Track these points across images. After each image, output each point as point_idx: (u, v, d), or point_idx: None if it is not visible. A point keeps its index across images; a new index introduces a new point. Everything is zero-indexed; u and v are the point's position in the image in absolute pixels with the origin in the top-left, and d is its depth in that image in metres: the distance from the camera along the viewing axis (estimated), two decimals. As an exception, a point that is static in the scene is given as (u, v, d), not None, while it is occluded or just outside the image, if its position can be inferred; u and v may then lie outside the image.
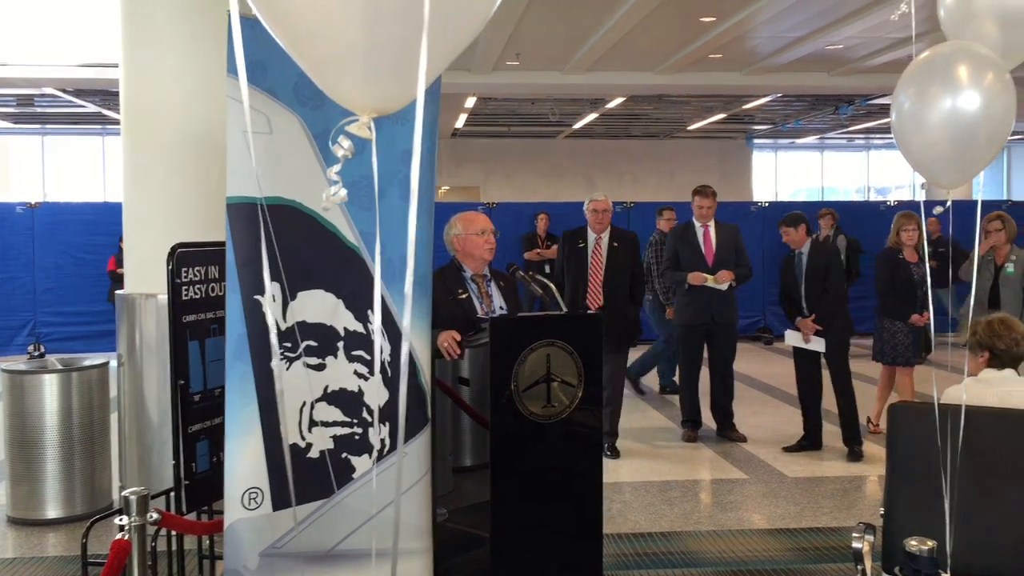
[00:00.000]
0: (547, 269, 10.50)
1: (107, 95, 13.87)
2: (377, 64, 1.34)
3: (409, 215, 1.27)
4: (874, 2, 9.34)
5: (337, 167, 1.44)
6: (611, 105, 15.95)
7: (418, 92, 1.21)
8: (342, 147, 1.40)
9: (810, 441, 6.77)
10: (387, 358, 3.32)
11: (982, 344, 3.34)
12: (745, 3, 9.54)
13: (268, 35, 1.50)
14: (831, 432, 6.91)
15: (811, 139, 22.50)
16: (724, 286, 6.80)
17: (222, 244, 3.19)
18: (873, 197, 22.59)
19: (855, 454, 6.54)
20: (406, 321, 1.33)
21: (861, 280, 11.14)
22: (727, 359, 7.04)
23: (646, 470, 6.32)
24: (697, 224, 7.00)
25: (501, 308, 4.32)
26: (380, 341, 3.22)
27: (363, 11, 1.27)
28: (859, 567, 3.00)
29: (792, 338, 6.75)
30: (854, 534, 3.05)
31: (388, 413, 3.32)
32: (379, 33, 1.29)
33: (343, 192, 1.43)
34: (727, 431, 7.10)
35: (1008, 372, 3.34)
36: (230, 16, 2.87)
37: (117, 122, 5.19)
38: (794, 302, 6.72)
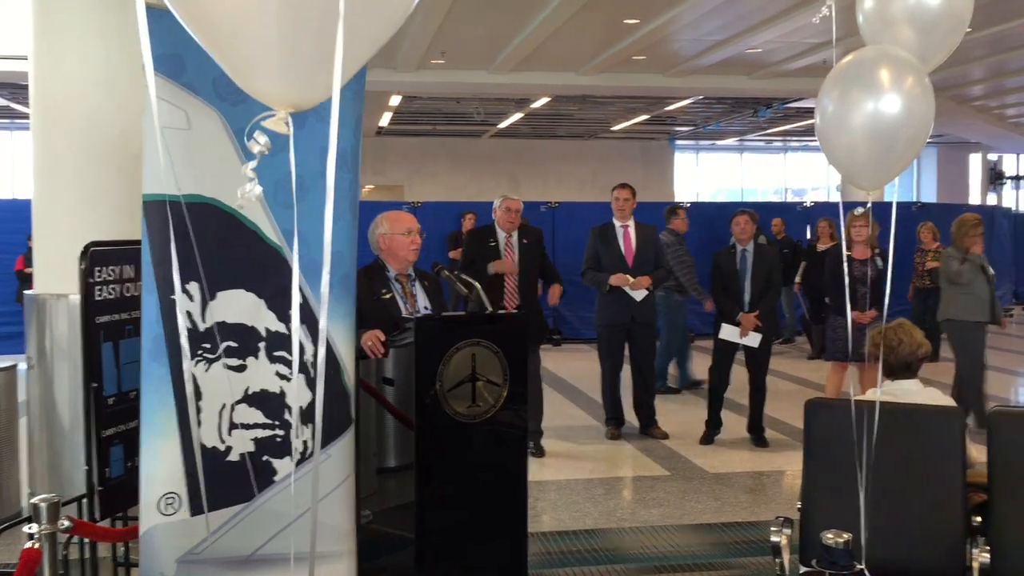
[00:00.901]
0: None
1: (16, 88, 13.38)
2: (293, 57, 1.32)
3: (325, 213, 1.24)
4: (792, 7, 9.58)
5: (253, 163, 1.40)
6: (536, 105, 16.03)
7: (334, 87, 1.19)
8: (258, 143, 1.37)
9: (715, 427, 7.08)
10: (309, 359, 3.27)
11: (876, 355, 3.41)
12: (667, 6, 9.69)
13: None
14: (734, 420, 7.22)
15: (731, 141, 22.97)
16: (640, 295, 6.85)
17: (138, 243, 3.10)
18: (790, 198, 23.16)
19: (761, 441, 6.92)
20: (322, 322, 1.31)
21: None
22: (648, 358, 7.14)
23: (570, 468, 6.36)
24: (617, 224, 7.04)
25: (426, 308, 4.30)
26: (299, 340, 3.17)
27: (278, 3, 1.24)
28: (777, 560, 3.07)
29: (728, 332, 6.86)
30: (772, 528, 3.12)
31: (310, 414, 3.27)
32: (295, 26, 1.26)
33: (258, 189, 1.39)
34: (649, 428, 7.19)
35: (911, 383, 3.43)
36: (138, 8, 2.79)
37: (26, 116, 5.00)
38: (735, 297, 6.86)
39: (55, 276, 4.67)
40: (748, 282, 6.86)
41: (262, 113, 1.43)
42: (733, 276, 6.90)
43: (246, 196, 1.37)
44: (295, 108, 1.39)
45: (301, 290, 3.23)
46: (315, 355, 3.23)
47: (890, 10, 2.77)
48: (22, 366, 5.05)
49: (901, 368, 3.44)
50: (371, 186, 20.81)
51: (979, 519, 3.11)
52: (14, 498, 5.23)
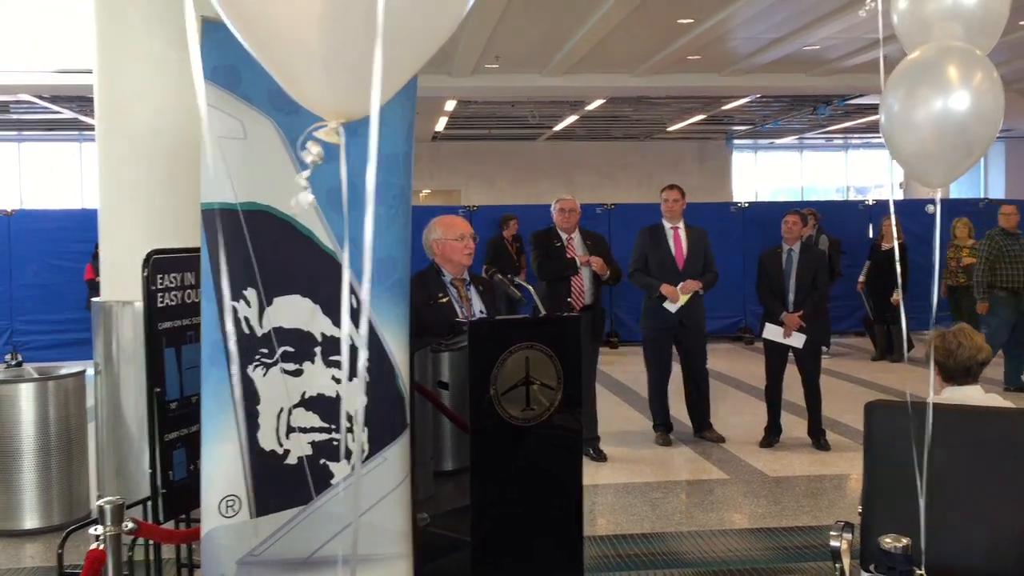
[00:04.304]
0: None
1: (83, 101, 13.77)
2: (339, 68, 1.34)
3: (365, 220, 1.26)
4: (849, 3, 9.41)
5: (307, 173, 1.43)
6: (591, 107, 15.99)
7: (372, 100, 1.20)
8: (311, 153, 1.40)
9: (775, 431, 6.98)
10: (362, 363, 3.30)
11: (936, 360, 3.28)
12: (722, 5, 9.59)
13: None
14: (794, 423, 7.08)
15: (790, 139, 22.63)
16: (675, 307, 6.74)
17: (198, 250, 3.17)
18: (852, 196, 22.74)
19: (822, 444, 6.81)
20: (363, 327, 1.32)
21: (841, 279, 11.22)
22: (699, 361, 7.05)
23: (627, 472, 6.33)
24: (667, 225, 6.97)
25: (481, 312, 4.31)
26: (348, 345, 3.21)
27: (323, 15, 1.26)
28: (837, 565, 3.02)
29: (771, 332, 6.79)
30: (832, 532, 3.06)
31: (367, 418, 3.31)
32: (340, 37, 1.28)
33: (310, 197, 1.42)
34: (704, 431, 7.12)
35: (971, 389, 3.31)
36: (202, 20, 2.85)
37: (93, 128, 5.14)
38: (780, 297, 6.79)
39: (120, 283, 4.80)
40: (793, 282, 6.77)
41: (314, 123, 1.45)
42: (778, 276, 6.82)
43: (299, 204, 1.40)
44: (346, 118, 1.41)
45: (355, 295, 3.27)
46: (369, 359, 3.27)
47: (926, 10, 2.71)
48: (90, 371, 5.19)
49: (960, 373, 3.31)
50: (427, 191, 20.96)
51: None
52: (83, 501, 5.38)
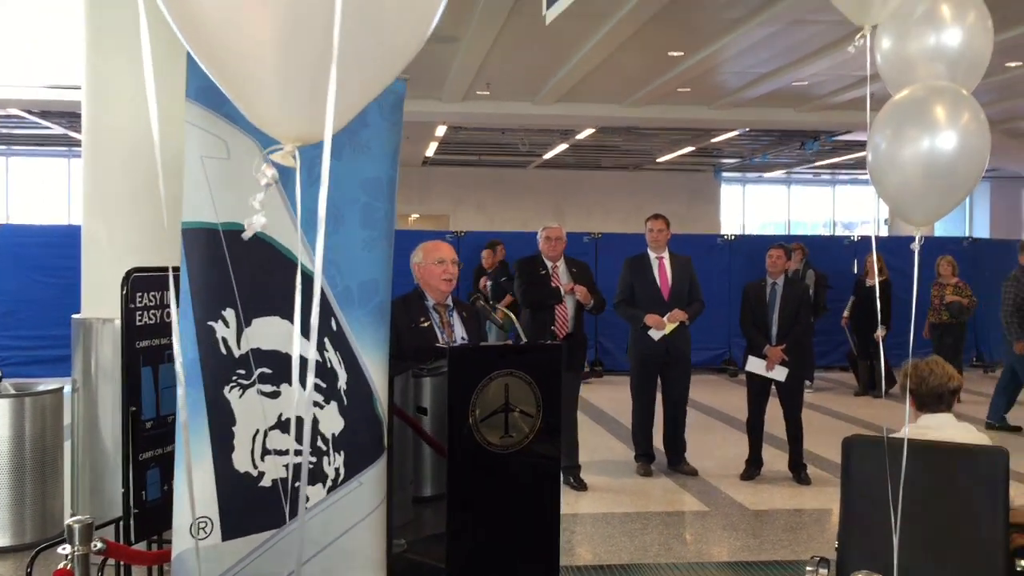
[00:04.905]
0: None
1: (73, 117, 13.75)
2: (295, 93, 1.34)
3: (316, 243, 1.26)
4: (838, 40, 9.51)
5: (260, 195, 1.43)
6: (581, 136, 16.07)
7: (326, 125, 1.20)
8: (265, 176, 1.40)
9: (756, 464, 6.98)
10: (343, 386, 3.29)
11: (910, 388, 3.41)
12: (712, 39, 9.68)
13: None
14: (776, 456, 7.10)
15: (778, 173, 22.78)
16: (658, 334, 6.75)
17: (177, 269, 3.16)
18: (839, 231, 22.86)
19: (803, 478, 6.79)
20: (311, 353, 1.32)
21: (827, 314, 11.26)
22: (681, 392, 7.03)
23: (607, 501, 6.30)
24: (652, 255, 6.99)
25: (463, 338, 4.30)
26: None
27: (278, 40, 1.27)
28: (813, 601, 3.00)
29: (754, 365, 6.81)
30: (808, 568, 3.04)
31: (343, 441, 3.29)
32: (295, 62, 1.29)
33: (263, 220, 1.42)
34: (678, 465, 7.09)
35: (944, 417, 3.37)
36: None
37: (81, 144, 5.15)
38: (763, 330, 6.80)
39: (101, 301, 4.77)
40: (776, 315, 6.80)
41: (270, 147, 1.46)
42: (762, 309, 6.85)
43: (252, 226, 1.40)
44: (301, 142, 1.41)
45: (335, 317, 3.26)
46: (347, 382, 3.25)
47: (907, 51, 2.75)
48: (68, 388, 5.14)
49: (932, 400, 3.39)
50: (416, 215, 20.97)
51: (1023, 563, 3.02)
52: (58, 519, 5.31)
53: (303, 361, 1.76)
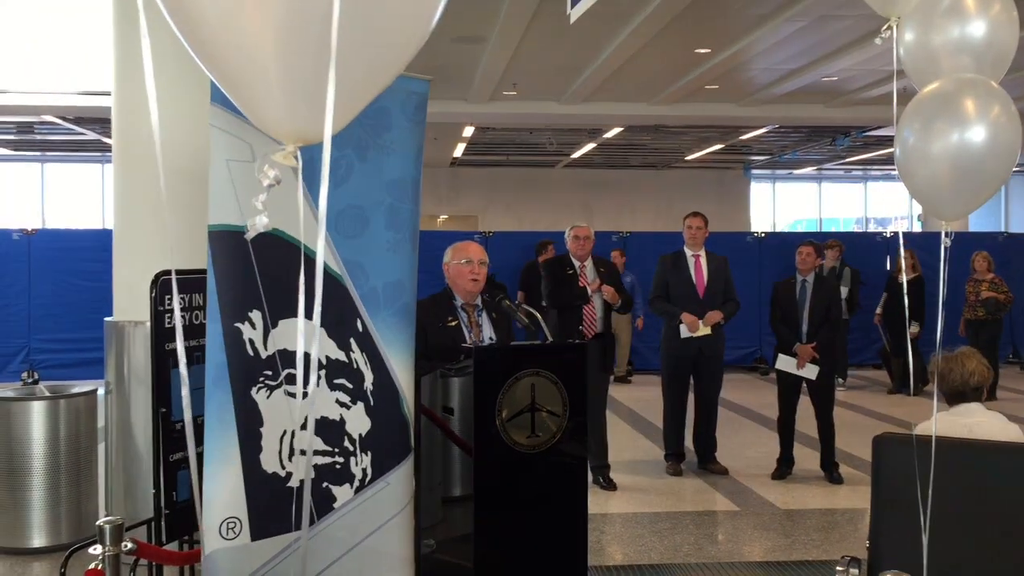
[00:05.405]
0: None
1: (106, 123, 13.88)
2: (295, 93, 1.35)
3: (317, 242, 1.26)
4: (867, 34, 9.40)
5: (263, 196, 1.44)
6: (609, 135, 16.02)
7: (326, 125, 1.21)
8: (267, 176, 1.41)
9: (787, 463, 6.91)
10: (370, 387, 3.30)
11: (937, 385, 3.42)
12: (739, 35, 9.61)
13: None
14: (808, 455, 7.00)
15: (809, 170, 22.57)
16: (701, 332, 6.74)
17: (205, 272, 3.18)
18: (872, 228, 22.62)
19: (835, 477, 6.74)
20: (314, 352, 1.32)
21: (860, 312, 11.15)
22: (713, 391, 7.00)
23: (636, 501, 6.27)
24: (688, 253, 6.97)
25: (490, 338, 4.30)
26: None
27: (278, 41, 1.27)
28: (843, 601, 2.97)
29: (784, 363, 6.76)
30: (838, 568, 3.01)
31: (370, 442, 3.30)
32: (295, 62, 1.29)
33: (265, 220, 1.43)
34: (708, 463, 7.05)
35: (974, 405, 3.36)
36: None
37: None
38: (793, 328, 6.75)
39: (133, 304, 4.82)
40: (807, 313, 6.74)
41: (271, 147, 1.46)
42: (792, 306, 6.80)
43: (255, 227, 1.41)
44: (303, 142, 1.42)
45: (360, 319, 3.27)
46: (373, 383, 3.27)
47: (932, 44, 2.71)
48: (102, 391, 5.21)
49: (954, 396, 3.40)
50: (445, 216, 21.02)
51: (1060, 563, 2.96)
52: (92, 520, 5.37)
53: (306, 357, 1.77)
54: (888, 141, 16.26)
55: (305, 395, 2.36)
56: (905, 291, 3.21)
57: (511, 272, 12.00)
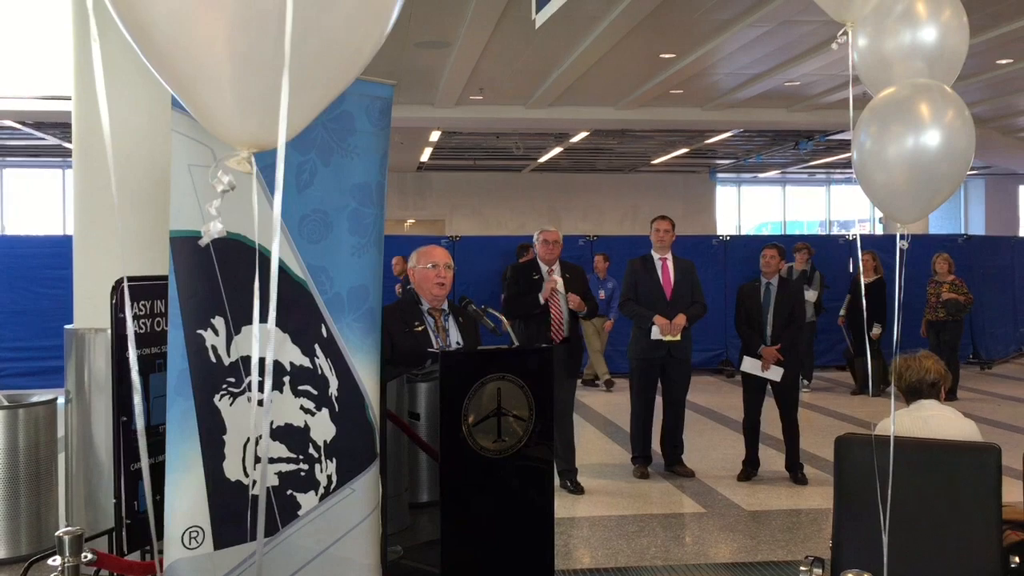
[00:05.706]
0: None
1: (67, 128, 13.72)
2: (247, 99, 1.34)
3: (272, 247, 1.25)
4: (828, 40, 9.50)
5: (217, 201, 1.43)
6: (575, 139, 16.09)
7: (280, 131, 1.20)
8: (221, 182, 1.40)
9: (752, 465, 6.97)
10: (335, 393, 3.28)
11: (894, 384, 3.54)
12: (703, 40, 9.70)
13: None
14: (773, 456, 7.07)
15: (773, 173, 22.81)
16: (677, 337, 6.79)
17: (167, 278, 3.15)
18: (835, 231, 22.90)
19: (800, 478, 6.79)
20: (269, 358, 1.31)
21: (824, 313, 11.26)
22: (681, 393, 7.03)
23: (603, 505, 6.29)
24: (656, 256, 7.00)
25: (457, 343, 4.29)
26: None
27: (230, 47, 1.26)
28: (807, 601, 2.99)
29: (749, 365, 6.81)
30: (802, 568, 3.04)
31: (335, 448, 3.28)
32: (247, 68, 1.28)
33: (219, 226, 1.42)
34: (675, 466, 7.08)
35: (930, 402, 3.46)
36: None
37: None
38: (757, 330, 6.81)
39: (93, 311, 4.76)
40: (771, 315, 6.81)
41: (226, 154, 1.45)
42: (756, 309, 6.86)
43: (209, 233, 1.40)
44: (256, 148, 1.41)
45: (325, 324, 3.26)
46: (338, 388, 3.25)
47: (884, 51, 2.75)
48: (61, 400, 5.13)
49: (911, 393, 3.49)
50: (412, 220, 20.99)
51: (1017, 559, 3.02)
52: (52, 531, 5.29)
53: (262, 362, 1.76)
54: (850, 145, 16.48)
55: (260, 403, 2.34)
56: (863, 293, 3.27)
57: (477, 275, 11.99)
